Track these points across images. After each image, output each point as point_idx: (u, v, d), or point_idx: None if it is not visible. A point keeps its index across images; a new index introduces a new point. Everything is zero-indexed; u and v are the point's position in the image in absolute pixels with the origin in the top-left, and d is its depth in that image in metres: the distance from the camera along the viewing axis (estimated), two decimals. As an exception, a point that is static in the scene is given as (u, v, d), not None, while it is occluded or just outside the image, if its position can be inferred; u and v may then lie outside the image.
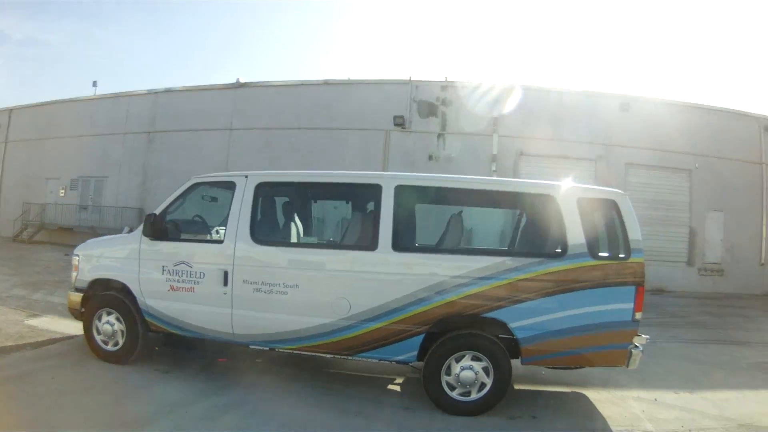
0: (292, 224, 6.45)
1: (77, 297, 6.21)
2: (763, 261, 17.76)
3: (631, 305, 5.20)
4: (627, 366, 5.14)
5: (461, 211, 6.15)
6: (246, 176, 5.91)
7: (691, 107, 17.94)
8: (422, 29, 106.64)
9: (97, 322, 6.02)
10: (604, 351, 5.27)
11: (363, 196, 6.09)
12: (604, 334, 5.18)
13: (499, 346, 5.17)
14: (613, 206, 5.38)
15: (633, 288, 5.22)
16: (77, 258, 6.40)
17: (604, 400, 5.72)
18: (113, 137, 22.29)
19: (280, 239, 6.25)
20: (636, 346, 5.16)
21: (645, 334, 5.30)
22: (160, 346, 6.24)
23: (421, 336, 5.29)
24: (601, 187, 5.77)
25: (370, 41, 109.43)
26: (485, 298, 5.23)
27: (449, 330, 5.30)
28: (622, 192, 5.50)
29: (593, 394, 5.89)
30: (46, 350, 6.22)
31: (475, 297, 5.25)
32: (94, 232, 17.28)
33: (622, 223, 5.32)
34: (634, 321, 5.16)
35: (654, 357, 7.28)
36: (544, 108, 17.03)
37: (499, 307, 5.23)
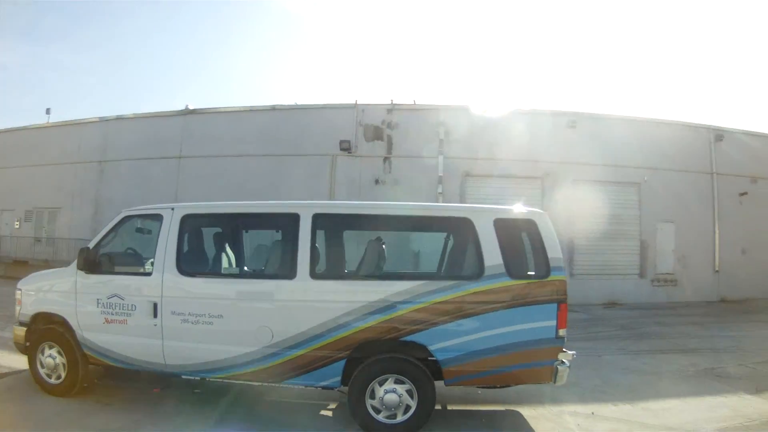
0: (218, 255, 6.61)
1: (21, 331, 6.43)
2: (717, 268, 18.19)
3: (553, 323, 5.33)
4: (554, 382, 5.24)
5: (379, 237, 6.27)
6: (172, 208, 6.09)
7: (641, 121, 18.39)
8: (368, 52, 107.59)
9: (40, 355, 6.22)
10: (529, 368, 5.38)
11: (283, 225, 6.21)
12: (527, 352, 5.31)
13: (421, 369, 5.30)
14: (532, 225, 5.52)
15: (555, 305, 5.35)
16: (20, 292, 6.63)
17: (539, 416, 5.84)
18: (66, 167, 22.16)
19: (205, 270, 6.39)
20: (562, 362, 5.27)
21: (572, 350, 5.45)
22: (101, 378, 6.42)
23: (343, 361, 5.43)
24: (520, 208, 5.87)
25: (318, 66, 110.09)
26: (403, 322, 5.36)
27: (372, 354, 5.41)
28: (540, 211, 5.66)
29: (529, 411, 6.03)
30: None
31: (393, 321, 5.38)
32: (48, 265, 17.10)
33: (541, 242, 5.43)
34: (558, 338, 5.29)
35: (597, 370, 7.53)
36: (488, 128, 17.26)
37: (418, 330, 5.37)
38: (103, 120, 21.98)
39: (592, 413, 5.77)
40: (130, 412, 5.67)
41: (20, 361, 6.88)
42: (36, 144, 23.79)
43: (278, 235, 6.43)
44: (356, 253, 6.33)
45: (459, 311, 5.41)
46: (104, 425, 5.29)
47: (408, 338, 5.40)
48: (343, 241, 6.44)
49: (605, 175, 17.28)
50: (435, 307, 5.41)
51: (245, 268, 6.90)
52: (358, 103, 18.42)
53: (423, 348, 5.40)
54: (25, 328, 6.47)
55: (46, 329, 6.29)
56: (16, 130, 25.33)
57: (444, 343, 5.41)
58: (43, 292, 6.68)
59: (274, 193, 17.10)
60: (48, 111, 27.68)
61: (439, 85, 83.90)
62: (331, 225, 6.19)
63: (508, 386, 5.94)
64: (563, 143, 17.23)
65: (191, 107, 20.21)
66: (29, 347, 6.37)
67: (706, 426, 5.49)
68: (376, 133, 18.09)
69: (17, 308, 6.59)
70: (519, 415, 5.97)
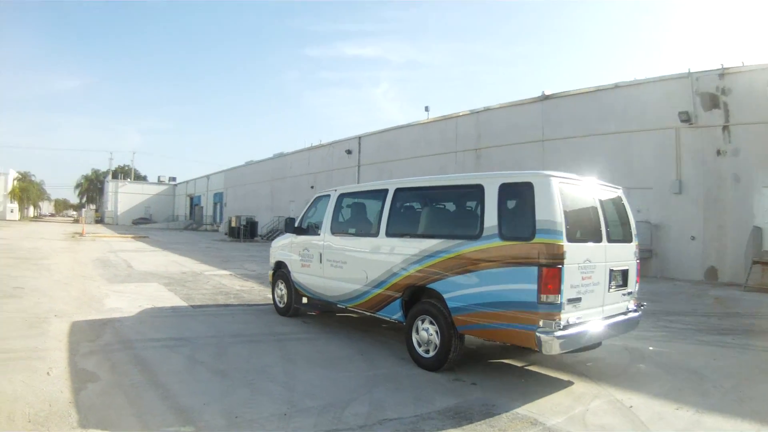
0: (350, 220, 9.45)
1: (270, 272, 11.26)
2: None
3: (533, 286, 5.78)
4: (541, 351, 5.75)
5: (432, 203, 8.10)
6: (335, 190, 9.65)
7: None
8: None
9: (277, 288, 10.86)
10: (512, 329, 6.05)
11: (377, 198, 8.50)
12: (511, 313, 6.01)
13: (442, 312, 6.80)
14: (528, 188, 6.09)
15: (536, 269, 5.79)
16: (271, 249, 11.43)
17: (557, 384, 6.62)
18: (446, 156, 29.64)
19: (342, 231, 9.29)
20: (548, 331, 5.68)
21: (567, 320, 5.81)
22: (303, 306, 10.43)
23: (399, 300, 7.56)
24: (528, 171, 6.46)
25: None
26: (428, 273, 7.08)
27: (414, 298, 7.39)
28: (545, 174, 6.10)
29: (551, 373, 7.06)
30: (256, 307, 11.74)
31: (422, 271, 7.17)
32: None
33: (533, 204, 5.95)
34: (540, 303, 5.75)
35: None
36: None
37: (437, 280, 6.92)
38: (474, 112, 29.08)
39: (631, 407, 5.76)
40: (308, 324, 9.87)
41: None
42: (419, 138, 32.34)
43: (377, 205, 8.46)
44: (416, 217, 8.21)
45: (461, 267, 6.61)
46: (300, 329, 9.39)
47: (430, 286, 7.03)
48: (407, 208, 8.29)
49: None
50: (446, 262, 6.82)
51: (360, 229, 9.09)
52: (691, 71, 19.98)
53: (440, 296, 6.88)
54: (272, 271, 11.14)
55: (281, 272, 10.68)
56: (401, 128, 34.60)
57: (453, 293, 6.69)
58: (278, 248, 11.09)
59: (626, 170, 20.95)
60: (427, 109, 36.16)
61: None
62: (402, 197, 8.15)
63: (505, 343, 7.05)
64: None
65: (547, 93, 25.24)
66: (272, 282, 11.12)
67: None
68: (712, 101, 19.22)
69: (270, 259, 11.38)
70: (537, 375, 7.02)
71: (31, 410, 5.09)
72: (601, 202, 6.79)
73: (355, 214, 9.44)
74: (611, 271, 6.66)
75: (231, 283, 15.49)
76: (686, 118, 19.44)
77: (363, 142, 38.50)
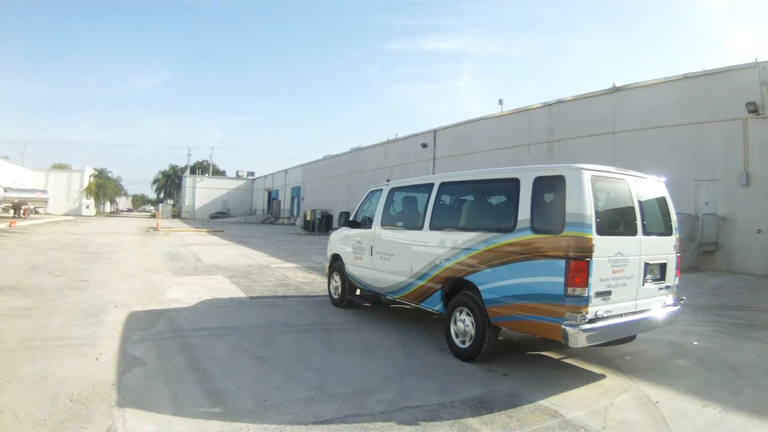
0: (399, 213, 9.59)
1: (327, 264, 11.77)
2: None
3: (561, 279, 5.84)
4: (567, 343, 5.83)
5: (472, 197, 8.29)
6: (387, 184, 10.02)
7: None
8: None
9: (332, 281, 11.33)
10: (540, 322, 6.12)
11: (424, 191, 8.72)
12: (539, 306, 6.10)
13: (477, 304, 6.92)
14: (561, 181, 6.15)
15: (563, 261, 5.84)
16: (328, 242, 11.83)
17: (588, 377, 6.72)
18: (519, 149, 30.02)
19: (391, 224, 9.52)
20: (574, 324, 5.76)
21: (589, 314, 5.86)
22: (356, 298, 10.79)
23: (439, 292, 7.77)
24: (563, 164, 6.46)
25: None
26: (465, 265, 7.24)
27: (453, 289, 7.54)
28: (579, 167, 6.11)
29: (586, 366, 7.16)
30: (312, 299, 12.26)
31: (460, 263, 7.35)
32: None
33: (564, 197, 6.01)
34: (567, 296, 5.81)
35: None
36: None
37: (473, 272, 7.08)
38: (547, 105, 29.31)
39: (658, 402, 5.79)
40: (361, 315, 10.28)
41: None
42: (493, 131, 32.78)
43: (424, 199, 8.65)
44: (458, 211, 8.33)
45: (496, 259, 6.72)
46: (350, 318, 9.90)
47: (467, 278, 7.18)
48: (450, 201, 8.40)
49: None
50: (482, 254, 6.96)
51: (407, 222, 9.22)
52: (758, 61, 19.69)
53: (475, 287, 7.00)
54: (328, 263, 11.59)
55: (336, 265, 11.17)
56: (477, 120, 34.99)
57: (487, 285, 6.82)
58: (335, 241, 11.45)
59: (695, 162, 21.23)
60: (501, 102, 36.83)
61: None
62: (446, 190, 8.33)
63: (536, 336, 6.73)
64: None
65: (618, 85, 25.21)
66: (328, 274, 11.57)
67: None
68: None
69: (327, 251, 11.85)
70: (571, 367, 7.16)
71: (74, 390, 5.58)
72: (638, 194, 6.79)
73: (404, 208, 9.61)
74: (647, 264, 6.70)
75: (295, 275, 16.15)
76: (753, 109, 19.14)
77: (438, 135, 38.98)
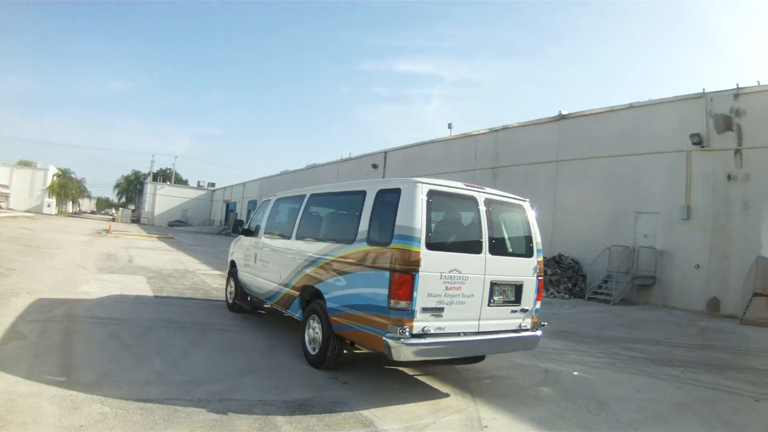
0: (281, 223, 9.70)
1: (228, 270, 12.09)
2: None
3: (384, 291, 5.84)
4: (390, 356, 5.74)
5: (329, 208, 8.64)
6: (275, 195, 10.37)
7: None
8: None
9: (228, 285, 11.60)
10: (368, 333, 6.10)
11: (298, 202, 8.92)
12: (368, 317, 6.10)
13: (323, 311, 7.00)
14: (396, 194, 6.21)
15: (387, 273, 5.87)
16: (229, 249, 12.42)
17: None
18: (464, 174, 29.16)
19: (271, 232, 9.81)
20: (396, 337, 5.67)
21: (413, 330, 5.76)
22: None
23: (298, 299, 7.90)
24: (403, 178, 6.64)
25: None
26: (317, 273, 7.41)
27: (309, 297, 7.61)
28: (415, 180, 6.18)
29: (435, 384, 7.02)
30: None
31: (313, 272, 7.52)
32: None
33: (395, 209, 6.06)
34: (390, 308, 5.78)
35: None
36: None
37: (320, 281, 7.29)
38: (493, 130, 29.05)
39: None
40: (250, 319, 10.42)
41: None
42: (440, 155, 32.67)
43: (296, 210, 8.88)
44: (318, 222, 8.68)
45: (338, 269, 6.91)
46: (224, 322, 9.90)
47: (317, 286, 7.35)
48: (313, 212, 8.68)
49: None
50: (328, 264, 7.16)
51: (282, 231, 9.38)
52: (705, 91, 19.48)
53: (322, 296, 7.15)
54: (228, 269, 11.78)
55: (232, 270, 11.30)
56: (424, 144, 35.01)
57: (330, 294, 6.97)
58: (232, 248, 11.79)
59: (636, 194, 20.96)
60: (450, 126, 36.31)
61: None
62: (313, 201, 8.58)
63: (375, 350, 6.34)
64: None
65: (564, 113, 25.04)
66: (227, 280, 11.82)
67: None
68: (725, 123, 18.65)
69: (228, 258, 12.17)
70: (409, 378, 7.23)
71: None
72: (488, 213, 6.61)
73: (282, 218, 9.77)
74: (494, 284, 6.49)
75: (212, 281, 16.22)
76: (698, 141, 18.95)
77: (389, 157, 39.10)
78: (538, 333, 7.06)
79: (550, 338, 10.83)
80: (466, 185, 6.70)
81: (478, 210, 6.55)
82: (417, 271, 5.72)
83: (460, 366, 7.65)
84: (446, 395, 6.52)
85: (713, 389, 7.80)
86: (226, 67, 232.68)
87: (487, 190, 6.86)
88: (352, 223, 6.88)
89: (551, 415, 6.10)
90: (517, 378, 7.69)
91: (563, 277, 21.59)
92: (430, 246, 5.89)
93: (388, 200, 6.28)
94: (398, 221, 5.90)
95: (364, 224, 6.55)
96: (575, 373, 8.12)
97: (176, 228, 74.92)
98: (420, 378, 7.23)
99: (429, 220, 5.95)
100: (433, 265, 5.89)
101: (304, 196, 8.72)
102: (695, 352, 10.83)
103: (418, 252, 5.74)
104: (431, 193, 6.07)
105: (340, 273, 6.76)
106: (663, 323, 15.16)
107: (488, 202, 6.70)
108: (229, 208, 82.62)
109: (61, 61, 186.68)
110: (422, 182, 6.09)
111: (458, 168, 30.10)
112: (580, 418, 6.06)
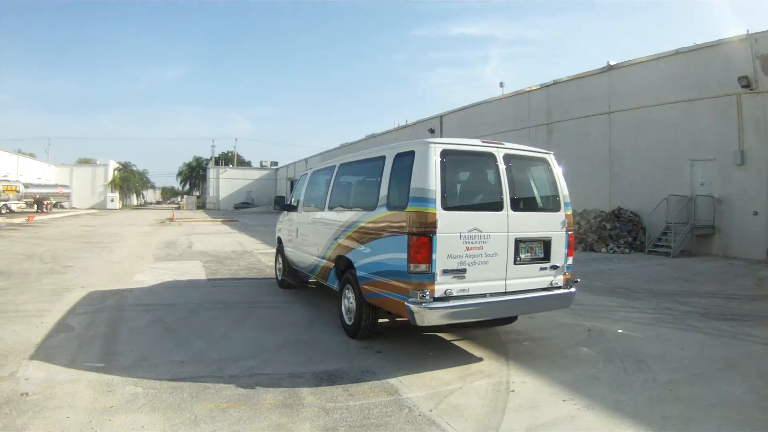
0: (317, 195, 9.62)
1: (276, 248, 12.24)
2: None
3: (404, 255, 5.81)
4: (414, 321, 5.72)
5: (357, 176, 8.42)
6: (311, 168, 10.61)
7: None
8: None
9: (276, 262, 12.01)
10: (393, 299, 6.07)
11: (330, 173, 8.92)
12: (392, 282, 6.09)
13: (355, 280, 7.00)
14: (411, 156, 6.16)
15: (405, 237, 5.84)
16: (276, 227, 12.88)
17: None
18: (519, 132, 28.96)
19: (308, 205, 9.89)
20: (417, 302, 5.63)
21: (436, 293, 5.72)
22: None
23: (334, 270, 7.96)
24: (421, 140, 6.33)
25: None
26: (346, 243, 7.44)
27: (344, 267, 7.59)
28: (428, 141, 6.11)
29: (471, 348, 6.95)
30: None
31: (344, 241, 7.55)
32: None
33: (410, 172, 6.02)
34: (411, 273, 5.75)
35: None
36: None
37: (350, 250, 7.30)
38: (544, 86, 28.52)
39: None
40: (297, 293, 10.77)
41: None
42: (495, 114, 32.06)
43: (329, 180, 8.91)
44: (348, 191, 8.63)
45: (364, 236, 6.88)
46: (272, 300, 10.15)
47: (347, 255, 7.39)
48: (344, 182, 8.61)
49: None
50: (355, 233, 7.16)
51: (317, 203, 9.34)
52: (749, 32, 18.57)
53: (353, 265, 7.15)
54: (277, 247, 11.94)
55: (279, 247, 11.55)
56: (481, 104, 34.40)
57: (359, 262, 6.96)
58: (278, 225, 11.96)
59: (689, 141, 20.28)
60: (501, 84, 34.26)
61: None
62: (343, 171, 8.55)
63: (401, 317, 6.31)
64: None
65: (612, 63, 24.26)
66: (275, 257, 12.07)
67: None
68: None
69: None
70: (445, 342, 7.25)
71: (3, 346, 6.60)
72: (508, 168, 6.42)
73: (318, 190, 9.61)
74: (519, 241, 6.33)
75: (268, 259, 16.11)
76: (746, 84, 18.02)
77: (445, 120, 38.51)
78: (572, 290, 6.84)
79: (601, 294, 10.84)
80: (483, 141, 6.58)
81: (497, 166, 6.39)
82: (434, 232, 5.67)
83: (500, 328, 7.54)
84: (479, 359, 6.44)
85: (763, 344, 7.45)
86: (280, 44, 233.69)
87: (507, 145, 6.68)
88: (374, 189, 6.86)
89: (584, 377, 5.89)
90: (556, 339, 7.51)
91: (623, 231, 21.06)
92: (447, 206, 5.82)
93: (405, 164, 6.21)
94: (413, 183, 5.87)
95: (384, 189, 6.53)
96: (619, 330, 7.94)
97: (242, 210, 76.31)
98: (456, 343, 7.15)
99: (444, 180, 5.87)
100: (452, 226, 5.82)
101: (335, 166, 8.72)
102: (749, 304, 10.41)
103: (434, 213, 5.69)
104: (445, 153, 5.96)
105: (366, 240, 6.75)
106: (721, 274, 14.63)
107: (508, 158, 6.51)
108: (293, 186, 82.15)
109: (106, 58, 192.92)
110: (435, 142, 5.99)
111: (513, 126, 29.70)
112: (614, 380, 5.82)
